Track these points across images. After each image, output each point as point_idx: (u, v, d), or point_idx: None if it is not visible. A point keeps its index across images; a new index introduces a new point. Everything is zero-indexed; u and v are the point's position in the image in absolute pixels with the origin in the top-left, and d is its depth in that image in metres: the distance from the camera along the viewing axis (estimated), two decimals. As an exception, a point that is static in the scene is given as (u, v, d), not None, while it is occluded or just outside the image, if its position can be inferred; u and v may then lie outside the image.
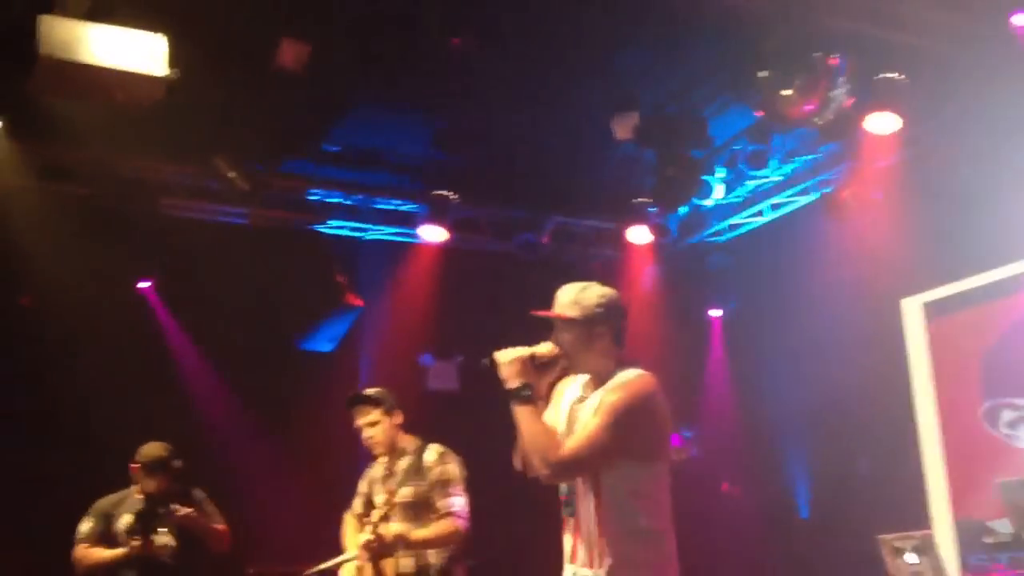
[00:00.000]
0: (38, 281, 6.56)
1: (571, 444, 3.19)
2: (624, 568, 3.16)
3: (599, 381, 3.33)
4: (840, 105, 5.65)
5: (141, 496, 5.38)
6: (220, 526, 5.44)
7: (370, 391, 4.87)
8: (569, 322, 3.31)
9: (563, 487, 3.33)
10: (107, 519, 5.33)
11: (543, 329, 3.42)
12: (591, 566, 3.20)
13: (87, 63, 4.51)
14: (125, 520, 5.30)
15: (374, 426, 4.79)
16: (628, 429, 3.17)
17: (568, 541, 3.31)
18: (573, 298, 3.35)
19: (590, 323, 3.31)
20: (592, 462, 3.18)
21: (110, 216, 6.77)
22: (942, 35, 5.91)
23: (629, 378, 3.27)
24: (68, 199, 6.72)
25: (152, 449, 5.43)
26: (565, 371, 3.40)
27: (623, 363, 3.33)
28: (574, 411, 3.38)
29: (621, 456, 3.18)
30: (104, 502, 5.39)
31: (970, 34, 5.87)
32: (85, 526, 5.29)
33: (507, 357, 3.26)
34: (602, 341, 3.32)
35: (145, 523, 5.24)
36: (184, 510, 5.28)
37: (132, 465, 5.40)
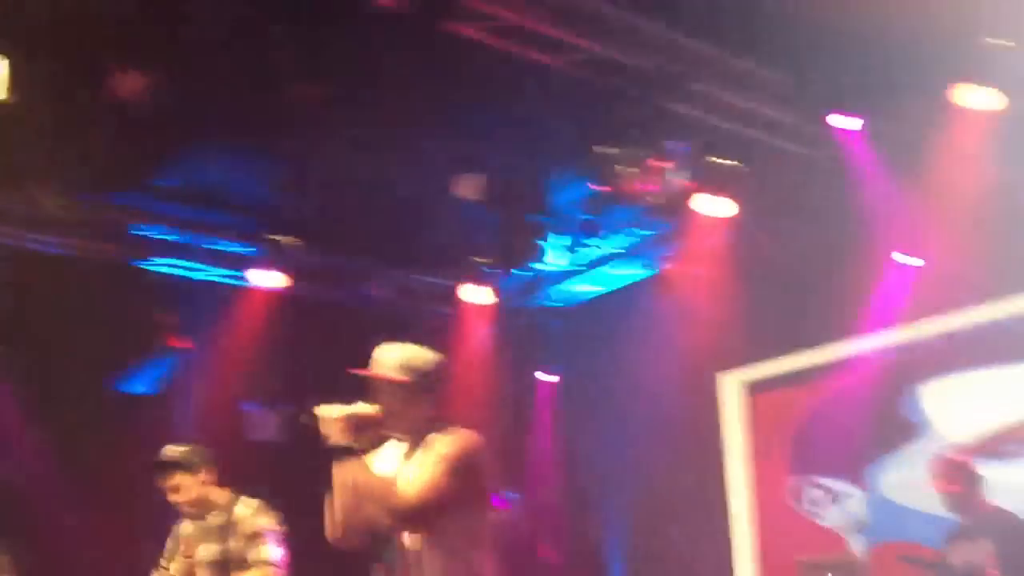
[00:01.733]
0: None
1: (414, 488, 3.20)
2: None
3: (417, 442, 3.34)
4: (676, 187, 5.86)
5: None
6: None
7: (172, 455, 4.70)
8: (395, 384, 3.31)
9: (380, 544, 3.30)
10: None
11: (367, 384, 3.41)
12: None
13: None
14: None
15: (179, 490, 4.64)
16: (466, 476, 3.24)
17: None
18: (399, 361, 3.37)
19: (415, 387, 3.32)
20: (435, 506, 3.20)
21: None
22: (775, 129, 6.25)
23: (459, 432, 3.34)
24: None
25: None
26: (383, 434, 3.40)
27: (444, 423, 3.36)
28: (399, 472, 3.36)
29: (457, 502, 3.21)
30: None
31: (797, 131, 6.23)
32: None
33: (330, 414, 3.23)
34: (425, 404, 3.35)
35: None
36: None
37: None
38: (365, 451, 3.30)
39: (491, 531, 3.36)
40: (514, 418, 8.64)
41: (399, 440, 3.44)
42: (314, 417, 3.24)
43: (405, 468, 3.35)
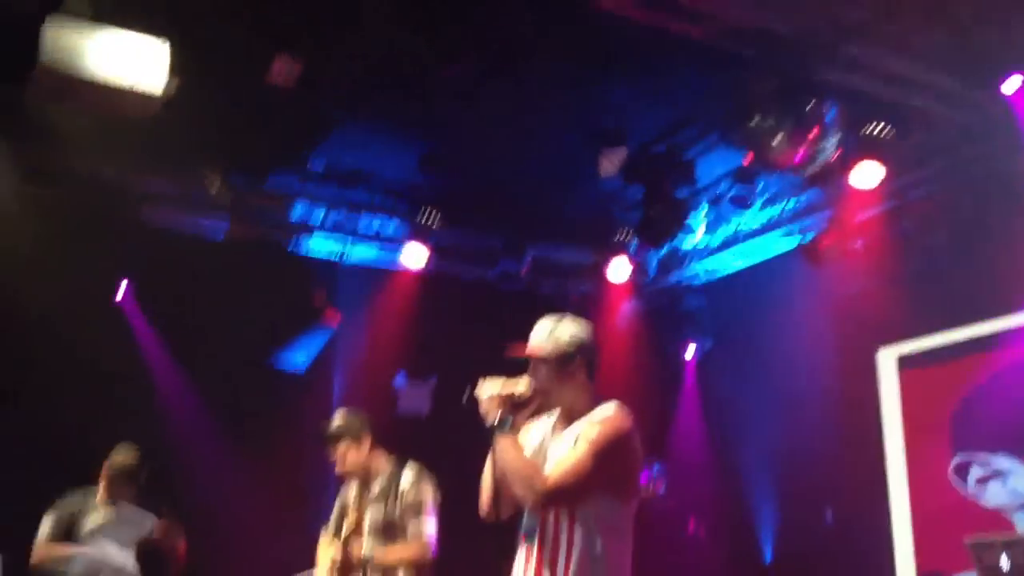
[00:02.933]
0: (14, 284, 6.47)
1: (556, 473, 3.21)
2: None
3: (573, 416, 3.35)
4: (828, 157, 5.70)
5: (107, 500, 5.34)
6: (179, 545, 5.41)
7: (336, 425, 4.87)
8: (544, 359, 3.33)
9: (526, 519, 3.32)
10: (70, 518, 5.29)
11: (518, 363, 3.44)
12: None
13: (86, 77, 4.48)
14: (93, 521, 5.26)
15: (344, 458, 4.83)
16: (610, 461, 3.21)
17: (519, 569, 3.31)
18: (548, 334, 3.37)
19: (564, 359, 3.33)
20: (577, 491, 3.20)
21: (90, 223, 6.72)
22: (931, 94, 6.00)
23: (609, 413, 3.30)
24: (50, 203, 6.66)
25: (124, 458, 5.40)
26: (540, 408, 3.42)
27: (597, 398, 3.35)
28: (545, 446, 3.38)
29: (600, 488, 3.19)
30: (67, 501, 5.35)
31: (959, 96, 5.96)
32: (47, 526, 5.28)
33: (488, 392, 3.27)
34: (576, 376, 3.35)
35: (104, 533, 5.21)
36: (156, 524, 5.26)
37: (103, 470, 5.35)
38: (519, 428, 3.33)
39: (633, 518, 3.32)
40: (660, 394, 8.59)
41: (552, 415, 3.46)
42: (474, 394, 3.28)
43: (554, 445, 3.37)
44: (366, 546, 4.62)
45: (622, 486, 3.26)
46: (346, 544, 4.64)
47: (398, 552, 4.60)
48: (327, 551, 4.77)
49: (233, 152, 6.84)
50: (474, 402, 3.30)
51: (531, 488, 3.16)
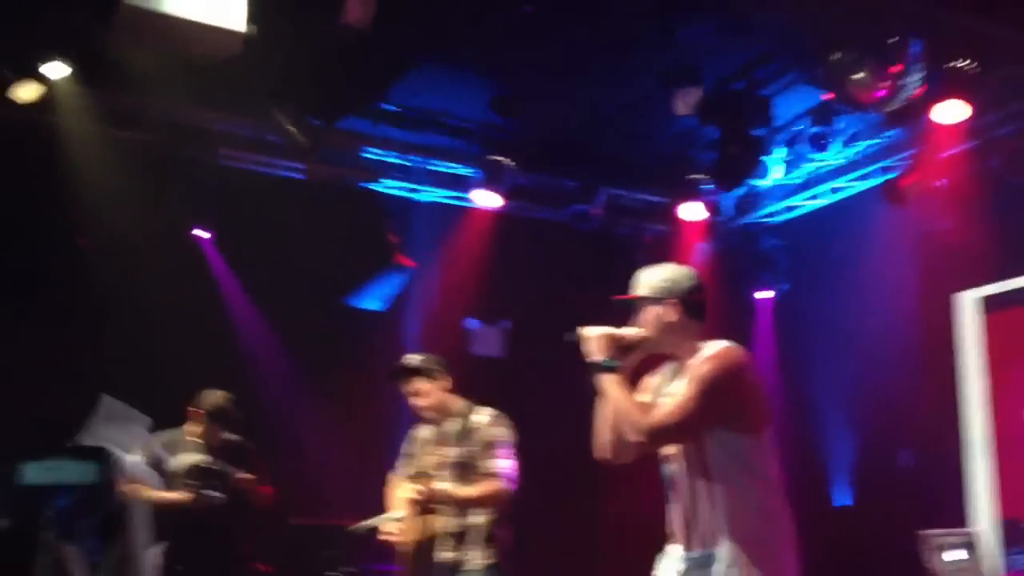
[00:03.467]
0: (97, 225, 6.63)
1: (661, 411, 3.19)
2: (743, 544, 3.13)
3: (685, 359, 3.32)
4: (911, 92, 5.54)
5: (198, 441, 5.44)
6: (267, 488, 5.51)
7: (412, 362, 4.89)
8: (648, 302, 3.31)
9: (667, 467, 3.32)
10: (158, 457, 5.39)
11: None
12: (704, 546, 3.19)
13: (168, 14, 4.51)
14: (182, 462, 5.37)
15: (419, 395, 4.83)
16: (719, 396, 3.15)
17: (676, 523, 3.29)
18: (651, 279, 3.35)
19: (676, 307, 3.30)
20: (684, 429, 3.17)
21: (170, 164, 6.84)
22: (1020, 24, 5.77)
23: (717, 349, 3.26)
24: (130, 146, 6.79)
25: (217, 398, 5.48)
26: (649, 355, 3.39)
27: (707, 339, 3.32)
28: (664, 392, 3.37)
29: (716, 424, 3.17)
30: (156, 439, 5.41)
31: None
32: (135, 458, 5.31)
33: (594, 332, 3.26)
34: (683, 319, 3.31)
35: (202, 476, 5.31)
36: (242, 476, 5.35)
37: (193, 410, 5.44)
38: (626, 372, 3.31)
39: (772, 452, 3.24)
40: (735, 336, 8.50)
41: (670, 369, 3.43)
42: (578, 336, 3.27)
43: (669, 390, 3.35)
44: (444, 484, 4.63)
45: (741, 419, 3.18)
46: (420, 481, 4.66)
47: (475, 489, 4.62)
48: (401, 492, 4.80)
49: (308, 94, 6.86)
50: (579, 342, 3.27)
51: (635, 427, 3.13)
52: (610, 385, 3.21)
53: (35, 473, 2.79)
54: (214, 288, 7.40)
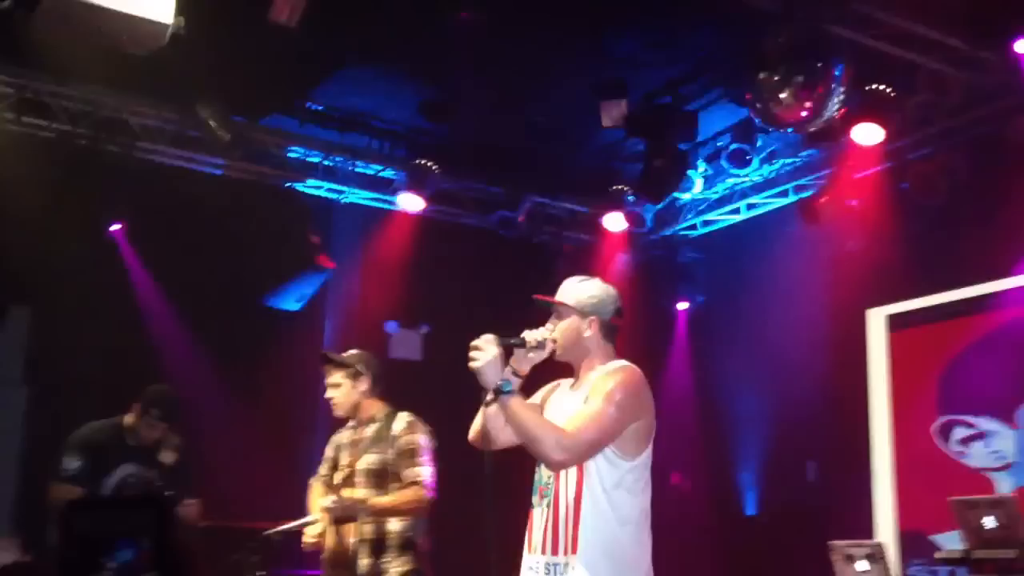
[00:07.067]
0: (6, 215, 6.42)
1: (578, 426, 3.16)
2: (604, 556, 3.16)
3: (582, 375, 3.36)
4: (833, 113, 5.69)
5: (130, 434, 5.18)
6: (196, 506, 5.34)
7: (340, 354, 4.82)
8: (571, 312, 3.34)
9: (543, 474, 3.33)
10: (96, 459, 5.11)
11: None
12: (562, 552, 3.21)
13: (93, 3, 4.39)
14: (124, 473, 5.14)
15: (336, 388, 4.75)
16: (627, 413, 3.18)
17: (538, 529, 3.29)
18: (579, 292, 3.38)
19: (589, 319, 3.34)
20: (599, 444, 3.17)
21: (86, 156, 6.67)
22: (938, 53, 5.98)
23: (621, 365, 3.30)
24: (45, 135, 6.61)
25: (167, 393, 5.26)
26: (550, 358, 3.41)
27: (610, 359, 3.36)
28: (556, 401, 3.40)
29: (616, 441, 3.19)
30: (89, 437, 5.12)
31: (966, 56, 5.94)
32: (74, 463, 5.02)
33: (486, 356, 3.14)
34: (597, 338, 3.35)
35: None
36: (189, 502, 5.20)
37: (142, 406, 5.16)
38: (524, 375, 3.33)
39: (648, 474, 3.27)
40: (650, 346, 8.62)
41: (567, 382, 3.46)
42: (522, 339, 3.25)
43: (568, 400, 3.37)
44: (360, 492, 4.57)
45: (633, 438, 3.21)
46: (339, 491, 4.60)
47: (393, 498, 4.57)
48: (320, 499, 4.72)
49: (233, 90, 6.76)
50: (521, 345, 3.25)
51: (558, 444, 3.10)
52: (516, 407, 3.17)
53: (87, 523, 2.61)
54: (127, 283, 7.23)
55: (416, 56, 6.57)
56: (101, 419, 5.24)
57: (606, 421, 3.16)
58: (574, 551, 3.18)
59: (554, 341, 3.35)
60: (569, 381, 3.45)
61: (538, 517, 3.32)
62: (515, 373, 3.29)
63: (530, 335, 3.32)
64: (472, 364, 3.15)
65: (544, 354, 3.36)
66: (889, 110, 6.31)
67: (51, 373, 6.78)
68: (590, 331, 3.34)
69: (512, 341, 3.27)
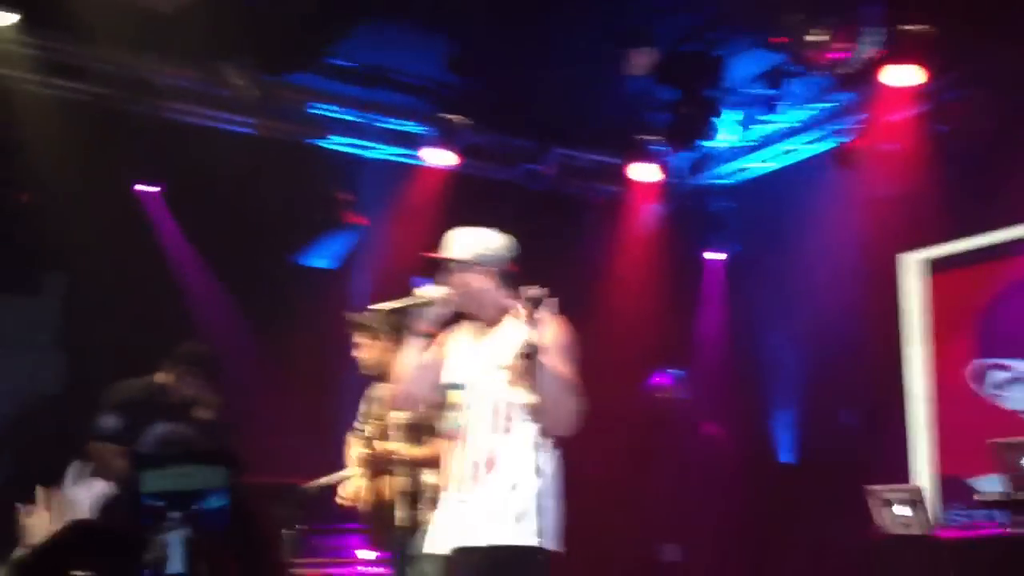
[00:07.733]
0: (39, 178, 6.46)
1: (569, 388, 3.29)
2: (521, 493, 3.27)
3: (489, 324, 3.41)
4: (866, 55, 5.57)
5: (165, 392, 5.21)
6: None
7: (361, 316, 4.85)
8: (462, 266, 3.34)
9: (456, 419, 3.45)
10: (133, 416, 5.14)
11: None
12: (485, 491, 3.32)
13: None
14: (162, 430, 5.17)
15: (361, 349, 4.82)
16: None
17: (459, 467, 3.39)
18: (469, 244, 3.40)
19: (483, 269, 3.35)
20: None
21: (115, 118, 6.68)
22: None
23: (548, 314, 3.28)
24: (76, 98, 6.61)
25: (202, 350, 5.30)
26: (454, 314, 3.44)
27: (508, 307, 3.37)
28: (474, 353, 3.41)
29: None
30: (125, 396, 5.17)
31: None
32: (111, 421, 5.07)
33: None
34: (493, 284, 3.38)
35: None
36: None
37: (177, 364, 5.18)
38: (434, 332, 3.40)
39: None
40: (683, 296, 8.58)
41: (474, 323, 3.50)
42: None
43: (478, 350, 3.41)
44: (394, 444, 4.60)
45: None
46: (373, 443, 4.63)
47: (428, 450, 4.59)
48: (356, 452, 4.76)
49: (257, 47, 6.74)
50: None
51: (577, 408, 3.23)
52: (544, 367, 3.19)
53: (156, 481, 2.65)
54: (159, 244, 7.26)
55: (438, 9, 6.50)
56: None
57: (573, 376, 3.31)
58: (494, 488, 3.32)
59: (451, 295, 3.34)
60: (468, 330, 3.45)
61: (456, 457, 3.44)
62: (422, 333, 3.37)
63: (420, 291, 3.35)
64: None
65: (446, 310, 3.37)
66: (925, 50, 6.16)
67: (87, 336, 6.83)
68: (487, 283, 3.34)
69: (405, 303, 3.30)
